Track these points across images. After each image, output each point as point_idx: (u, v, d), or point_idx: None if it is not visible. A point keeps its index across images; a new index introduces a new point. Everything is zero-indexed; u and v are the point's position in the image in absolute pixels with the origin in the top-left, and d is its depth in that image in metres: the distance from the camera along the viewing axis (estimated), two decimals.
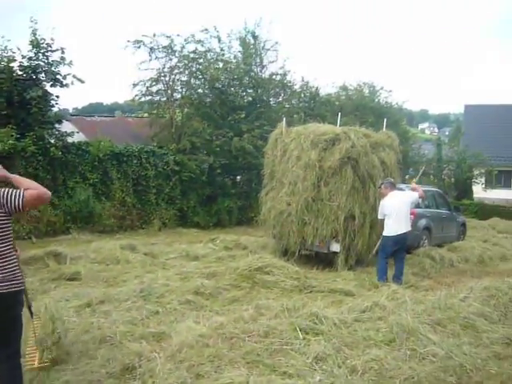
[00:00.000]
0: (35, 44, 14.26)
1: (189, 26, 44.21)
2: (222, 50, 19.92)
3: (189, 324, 6.15)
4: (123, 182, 16.14)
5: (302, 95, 23.13)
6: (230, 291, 8.26)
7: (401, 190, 11.09)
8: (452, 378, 5.02)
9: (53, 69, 14.52)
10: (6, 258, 3.79)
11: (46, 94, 14.53)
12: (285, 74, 21.34)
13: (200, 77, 19.12)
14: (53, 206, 14.03)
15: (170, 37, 18.07)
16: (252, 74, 20.50)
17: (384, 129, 12.37)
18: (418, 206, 12.18)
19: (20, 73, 14.31)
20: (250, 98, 20.45)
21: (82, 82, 14.98)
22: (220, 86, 19.57)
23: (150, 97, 18.89)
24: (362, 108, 25.12)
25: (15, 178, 3.90)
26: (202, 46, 18.94)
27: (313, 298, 7.95)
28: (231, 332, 5.78)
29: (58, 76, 14.58)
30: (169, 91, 18.77)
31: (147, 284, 8.17)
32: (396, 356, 5.32)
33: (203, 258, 11.32)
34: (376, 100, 27.23)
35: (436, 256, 11.99)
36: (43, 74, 14.49)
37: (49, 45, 14.43)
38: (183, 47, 18.46)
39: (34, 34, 14.27)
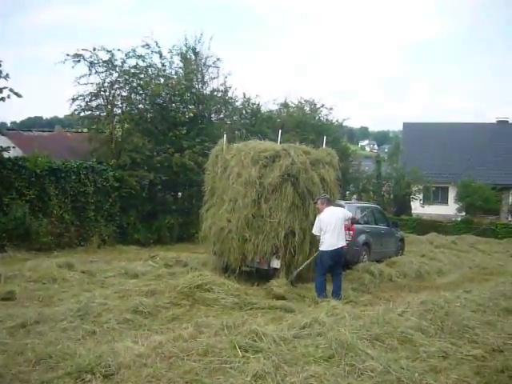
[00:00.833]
0: None
1: (130, 39, 43.78)
2: (163, 65, 19.78)
3: (126, 344, 6.02)
4: (61, 199, 15.69)
5: (244, 112, 23.24)
6: (170, 309, 8.17)
7: (340, 206, 11.28)
8: None
9: None
10: None
11: None
12: (226, 91, 21.47)
13: (141, 92, 18.98)
14: None
15: (110, 51, 17.91)
16: (193, 90, 20.48)
17: (324, 146, 12.56)
18: (357, 222, 12.44)
19: None
20: (192, 114, 20.35)
21: (19, 96, 14.52)
22: (161, 102, 19.52)
23: (89, 112, 18.58)
24: (303, 125, 25.39)
25: None
26: (143, 61, 18.84)
27: (253, 315, 7.98)
28: (170, 351, 5.72)
29: None
30: (109, 106, 18.52)
31: (84, 303, 7.97)
32: (335, 372, 5.34)
33: (143, 275, 11.19)
34: (317, 117, 27.54)
35: (375, 271, 12.26)
36: None
37: None
38: (124, 62, 18.34)
39: None
